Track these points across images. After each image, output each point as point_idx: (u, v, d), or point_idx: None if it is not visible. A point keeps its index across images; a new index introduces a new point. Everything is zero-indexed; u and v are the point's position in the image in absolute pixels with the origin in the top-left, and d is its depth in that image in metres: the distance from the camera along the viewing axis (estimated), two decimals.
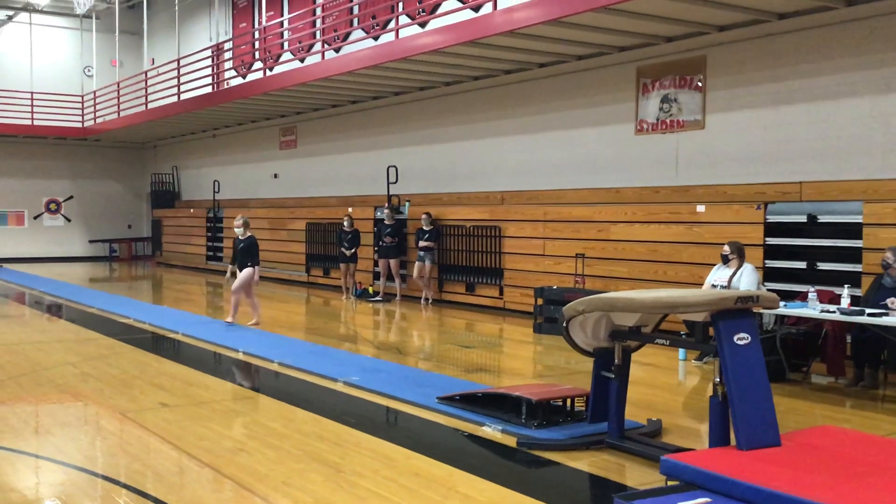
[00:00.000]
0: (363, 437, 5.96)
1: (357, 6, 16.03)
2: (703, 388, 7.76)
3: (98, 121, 25.16)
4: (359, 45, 15.34)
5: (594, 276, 11.66)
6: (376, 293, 15.29)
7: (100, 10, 25.48)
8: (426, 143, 15.90)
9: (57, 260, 26.23)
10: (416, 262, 14.30)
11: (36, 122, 25.23)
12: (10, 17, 26.02)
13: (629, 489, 4.77)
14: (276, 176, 21.06)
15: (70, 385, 7.81)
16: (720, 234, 9.92)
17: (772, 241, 9.73)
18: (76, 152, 27.21)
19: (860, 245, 8.83)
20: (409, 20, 14.14)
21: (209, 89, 20.27)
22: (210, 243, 22.98)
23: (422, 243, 14.08)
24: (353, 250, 15.33)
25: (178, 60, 20.83)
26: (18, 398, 7.29)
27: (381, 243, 14.91)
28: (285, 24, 18.75)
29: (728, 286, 8.42)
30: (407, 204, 15.48)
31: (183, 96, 20.61)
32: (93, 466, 5.35)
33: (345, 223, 15.47)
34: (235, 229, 11.59)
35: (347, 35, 16.73)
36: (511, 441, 5.81)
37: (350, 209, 16.59)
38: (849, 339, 7.89)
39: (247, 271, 11.40)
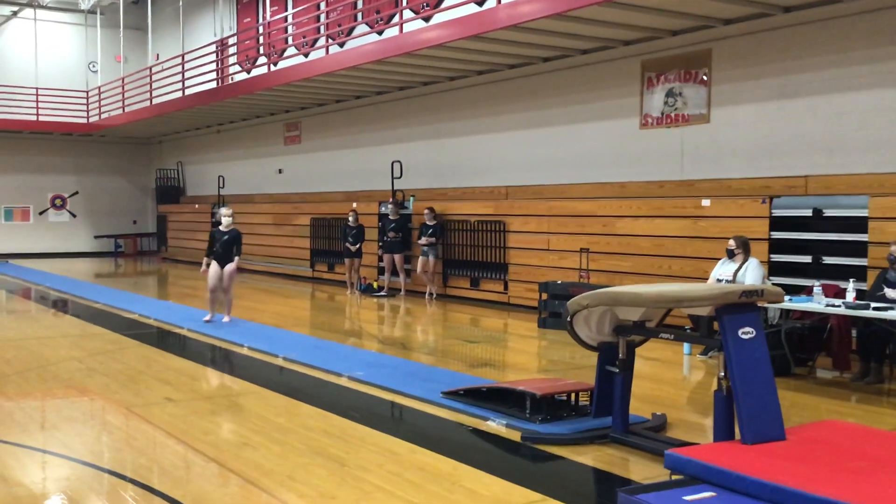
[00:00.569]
0: (368, 431, 5.97)
1: (361, 1, 16.01)
2: (707, 383, 7.75)
3: (103, 116, 25.19)
4: (363, 39, 15.32)
5: (599, 271, 11.64)
6: (381, 288, 15.30)
7: (104, 6, 25.50)
8: (431, 138, 15.89)
9: (62, 255, 26.30)
10: (420, 257, 14.32)
11: (41, 118, 25.27)
12: (14, 13, 26.05)
13: (633, 483, 4.77)
14: (280, 171, 21.08)
15: (76, 380, 7.84)
16: (725, 228, 9.90)
17: (777, 235, 9.70)
18: (81, 148, 27.25)
19: (866, 239, 8.81)
20: (412, 15, 14.12)
21: (213, 85, 20.29)
22: None
23: (424, 239, 14.08)
24: (357, 245, 15.33)
25: (183, 56, 20.84)
26: (24, 393, 7.31)
27: (385, 238, 14.91)
28: (289, 19, 18.75)
29: (733, 280, 8.41)
30: (412, 199, 15.48)
31: (187, 92, 20.62)
32: (99, 461, 5.37)
33: (349, 218, 15.47)
34: (224, 218, 11.18)
35: (351, 30, 16.71)
36: (515, 436, 5.82)
37: (354, 204, 16.58)
38: (854, 333, 7.87)
39: (232, 266, 11.16)
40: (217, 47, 20.71)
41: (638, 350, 6.04)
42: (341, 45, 15.87)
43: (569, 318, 5.86)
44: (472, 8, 12.58)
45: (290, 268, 19.15)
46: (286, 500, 4.63)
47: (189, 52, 20.85)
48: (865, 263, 8.76)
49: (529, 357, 9.55)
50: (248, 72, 20.12)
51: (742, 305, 5.08)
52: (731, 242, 8.68)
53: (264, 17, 20.41)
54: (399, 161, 15.73)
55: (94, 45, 25.70)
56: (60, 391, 7.43)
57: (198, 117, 22.05)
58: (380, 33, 14.98)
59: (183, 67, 20.79)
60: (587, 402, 6.32)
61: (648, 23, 10.68)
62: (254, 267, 20.50)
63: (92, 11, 25.63)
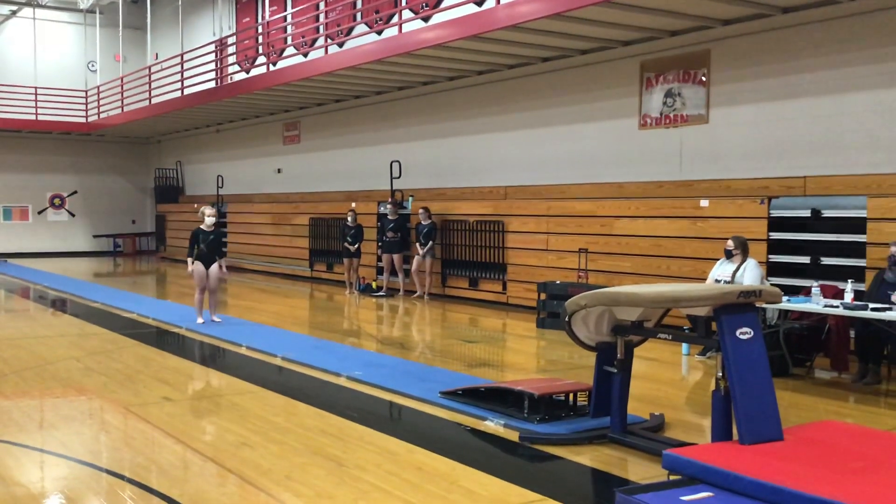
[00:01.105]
0: (366, 431, 5.97)
1: (360, 1, 16.01)
2: (706, 383, 7.76)
3: (102, 116, 25.17)
4: (362, 39, 15.32)
5: (597, 271, 11.65)
6: (380, 288, 15.30)
7: (103, 5, 25.48)
8: (430, 138, 15.89)
9: (61, 255, 26.28)
10: (416, 257, 14.34)
11: (40, 118, 25.25)
12: (13, 13, 26.03)
13: (631, 483, 4.77)
14: (279, 171, 21.07)
15: (74, 379, 7.83)
16: (724, 228, 9.91)
17: (775, 235, 9.71)
18: (80, 147, 27.24)
19: (864, 240, 8.82)
20: (412, 15, 14.12)
21: (212, 84, 20.28)
22: None
23: (420, 249, 14.11)
24: (356, 245, 15.33)
25: (182, 55, 20.84)
26: (22, 392, 7.31)
27: (384, 238, 14.91)
28: (289, 19, 18.74)
29: (731, 281, 8.41)
30: (410, 199, 15.48)
31: (186, 91, 20.62)
32: (97, 460, 5.36)
33: (348, 218, 15.47)
34: (208, 218, 10.85)
35: (351, 30, 16.70)
36: (513, 435, 5.82)
37: (353, 204, 16.58)
38: (852, 334, 7.88)
39: (216, 267, 10.93)
40: (216, 47, 20.71)
41: (636, 350, 6.04)
42: (340, 45, 15.86)
43: (567, 319, 5.86)
44: (472, 8, 12.58)
45: (289, 267, 19.15)
46: (284, 499, 4.63)
47: (188, 52, 20.84)
48: (864, 264, 8.76)
49: (528, 357, 9.55)
50: (248, 71, 20.12)
51: (740, 306, 5.08)
52: (730, 243, 8.68)
53: (263, 17, 20.42)
54: (398, 161, 15.73)
55: (93, 45, 25.69)
56: (58, 390, 7.42)
57: (197, 117, 22.04)
58: (379, 33, 14.98)
59: (182, 67, 20.78)
60: (585, 403, 6.32)
61: (647, 23, 10.69)
62: (252, 266, 20.51)
63: (91, 11, 25.62)
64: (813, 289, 7.69)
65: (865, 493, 4.01)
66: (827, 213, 9.31)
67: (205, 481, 4.98)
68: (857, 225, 8.92)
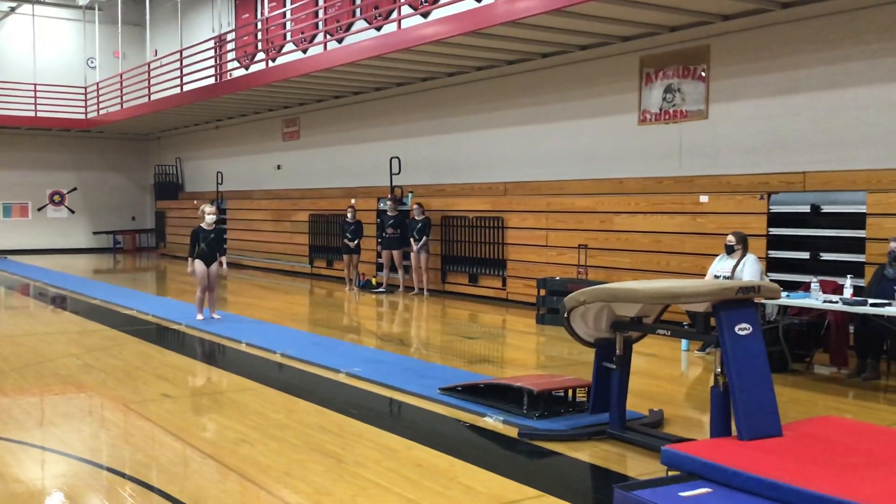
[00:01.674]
0: (365, 428, 5.97)
1: None
2: (705, 379, 7.76)
3: (101, 112, 25.16)
4: (361, 35, 15.31)
5: (597, 267, 11.65)
6: (379, 284, 15.30)
7: (102, 2, 25.45)
8: (429, 134, 15.88)
9: (61, 252, 26.29)
10: (412, 253, 14.36)
11: (39, 114, 25.25)
12: (12, 9, 26.00)
13: (630, 479, 4.77)
14: (279, 167, 21.07)
15: (73, 376, 7.84)
16: (723, 224, 9.91)
17: (775, 231, 9.71)
18: (80, 144, 27.23)
19: (863, 235, 8.81)
20: (411, 10, 14.09)
21: (212, 80, 20.27)
22: None
23: (414, 245, 14.12)
24: (356, 242, 15.33)
25: (181, 52, 20.82)
26: (22, 389, 7.31)
27: (384, 235, 14.91)
28: (288, 15, 18.72)
29: (731, 277, 8.41)
30: (410, 195, 15.47)
31: (186, 88, 20.60)
32: (96, 458, 5.37)
33: (348, 214, 15.46)
34: (208, 216, 10.81)
35: (350, 26, 16.70)
36: (513, 432, 5.82)
37: (353, 200, 16.58)
38: (851, 329, 7.88)
39: (217, 266, 10.91)
40: (215, 43, 20.69)
41: (635, 346, 6.05)
42: (339, 41, 15.85)
43: (566, 315, 5.86)
44: (471, 4, 12.56)
45: (289, 264, 19.15)
46: (283, 496, 4.63)
47: (187, 48, 20.82)
48: (863, 259, 8.76)
49: (527, 353, 9.56)
50: (247, 68, 20.10)
51: (739, 302, 5.08)
52: (731, 238, 8.68)
53: (262, 13, 20.40)
54: (397, 157, 15.72)
55: (92, 41, 25.67)
56: (58, 387, 7.43)
57: (196, 113, 22.03)
58: (378, 29, 14.97)
59: (181, 63, 20.76)
60: (584, 399, 6.32)
61: (647, 19, 10.67)
62: (252, 263, 20.51)
63: (90, 7, 25.59)
64: (812, 284, 7.69)
65: (864, 489, 4.01)
66: (826, 209, 9.30)
67: (204, 478, 4.98)
68: (857, 220, 8.91)
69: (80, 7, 25.97)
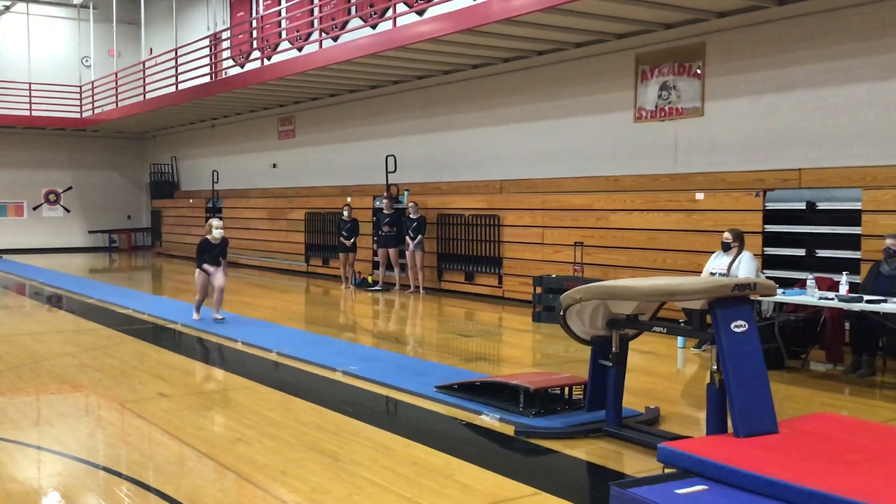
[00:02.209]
0: (361, 426, 5.97)
1: None
2: (701, 376, 7.76)
3: (96, 111, 25.12)
4: (356, 33, 15.29)
5: (593, 265, 11.66)
6: (375, 283, 15.30)
7: (97, 0, 25.39)
8: (425, 132, 15.87)
9: (56, 251, 26.24)
10: (408, 251, 14.36)
11: (34, 113, 25.19)
12: (7, 8, 25.93)
13: (627, 477, 4.78)
14: (274, 166, 21.04)
15: (69, 376, 7.82)
16: (719, 221, 9.91)
17: (771, 228, 9.72)
18: (75, 143, 27.18)
19: (859, 232, 8.83)
20: (406, 8, 14.08)
21: (207, 79, 20.23)
22: None
23: (410, 243, 14.12)
24: (352, 240, 15.32)
25: (176, 50, 20.78)
26: (18, 389, 7.30)
27: (379, 233, 14.91)
28: (283, 13, 18.69)
29: (727, 274, 8.42)
30: (406, 193, 15.47)
31: (181, 86, 20.56)
32: (92, 457, 5.36)
33: (344, 213, 15.45)
34: (215, 231, 10.75)
35: (345, 24, 16.68)
36: (509, 429, 5.83)
37: (349, 199, 16.57)
38: (847, 326, 7.89)
39: (222, 275, 10.87)
40: (210, 41, 20.66)
41: (632, 343, 6.05)
42: (335, 39, 15.84)
43: (562, 312, 5.86)
44: (466, 1, 12.54)
45: (285, 262, 19.13)
46: (279, 495, 4.63)
47: (182, 47, 20.79)
48: (859, 256, 8.78)
49: (524, 351, 9.56)
50: (242, 66, 20.06)
51: (735, 299, 5.08)
52: (727, 235, 8.69)
53: (258, 11, 20.37)
54: (393, 155, 15.71)
55: (86, 40, 25.61)
56: (54, 387, 7.41)
57: (191, 112, 21.99)
58: (373, 27, 14.95)
59: (176, 62, 20.73)
60: (581, 396, 6.33)
61: (642, 16, 10.67)
62: (248, 262, 20.50)
63: (85, 6, 25.52)
64: (808, 281, 7.70)
65: (860, 485, 4.02)
66: (822, 206, 9.32)
67: (201, 477, 4.97)
68: (852, 217, 8.93)
69: (74, 5, 25.91)
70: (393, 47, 13.04)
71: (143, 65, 22.61)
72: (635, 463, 5.10)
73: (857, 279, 8.28)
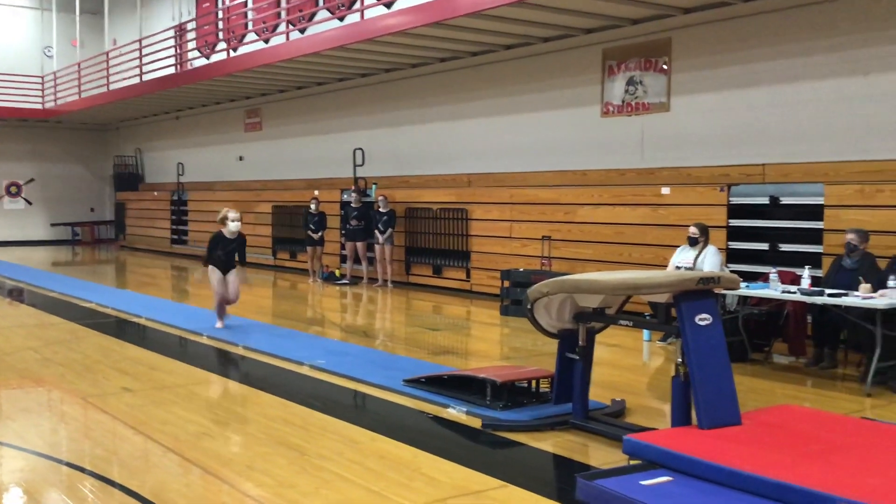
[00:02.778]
0: (329, 420, 5.95)
1: None
2: (667, 369, 7.83)
3: (59, 102, 24.70)
4: (324, 25, 15.19)
5: (560, 259, 11.72)
6: (343, 276, 15.24)
7: None
8: (393, 126, 15.83)
9: (18, 244, 25.77)
10: (377, 245, 14.33)
11: None
12: None
13: (593, 469, 4.81)
14: (241, 158, 20.85)
15: (31, 370, 7.70)
16: (685, 216, 10.01)
17: (735, 222, 9.84)
18: (37, 134, 26.71)
19: (821, 226, 8.96)
20: (374, 1, 14.01)
21: (172, 70, 19.98)
22: (175, 226, 22.77)
23: (380, 236, 14.10)
24: (319, 233, 15.24)
25: (140, 41, 20.50)
26: None
27: (347, 226, 14.85)
28: (249, 4, 18.50)
29: (693, 267, 8.51)
30: (374, 186, 15.42)
31: (145, 77, 20.30)
32: (55, 452, 5.28)
33: (311, 206, 15.37)
34: (231, 224, 9.54)
35: (312, 15, 16.55)
36: (476, 423, 5.84)
37: (317, 192, 16.47)
38: (809, 319, 8.01)
39: (236, 273, 9.73)
40: (175, 32, 20.39)
41: (598, 337, 6.09)
42: (302, 30, 15.72)
43: (529, 306, 5.89)
44: None
45: (252, 256, 18.89)
46: (245, 489, 4.60)
47: (147, 38, 20.51)
48: (821, 250, 8.91)
49: (491, 344, 9.59)
50: (208, 57, 19.84)
51: (699, 292, 5.14)
52: (693, 230, 8.78)
53: (224, 2, 20.14)
54: (361, 148, 15.65)
55: (49, 30, 25.15)
56: (15, 381, 7.29)
57: (156, 103, 21.72)
58: (341, 19, 14.86)
59: (140, 53, 20.45)
60: (548, 389, 6.36)
61: (609, 11, 10.72)
62: None
63: None
64: (771, 275, 7.80)
65: (821, 476, 4.09)
66: (785, 201, 9.45)
67: (166, 472, 4.93)
68: (815, 212, 9.06)
69: None
70: (361, 40, 12.97)
71: (107, 55, 22.27)
72: (601, 455, 5.14)
73: (820, 273, 8.41)
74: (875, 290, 7.04)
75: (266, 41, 17.06)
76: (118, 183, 26.43)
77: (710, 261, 8.58)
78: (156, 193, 23.99)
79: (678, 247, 9.12)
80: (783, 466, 4.22)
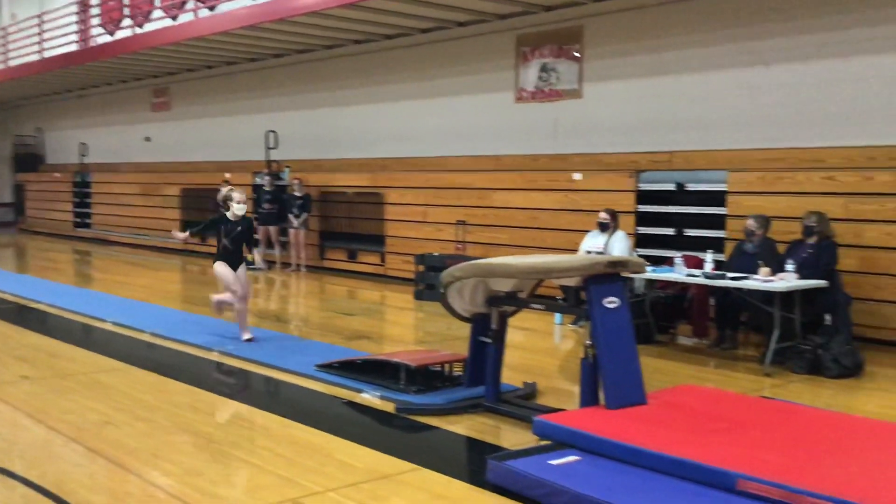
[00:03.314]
0: (238, 406, 5.86)
1: None
2: (577, 351, 7.94)
3: None
4: (235, 3, 14.80)
5: (475, 243, 11.79)
6: (255, 261, 14.97)
7: None
8: (307, 108, 15.60)
9: None
10: (291, 230, 14.16)
11: None
12: None
13: (504, 450, 4.87)
14: (148, 139, 20.23)
15: None
16: (595, 201, 10.19)
17: (643, 208, 10.07)
18: None
19: (724, 212, 9.26)
20: None
21: (75, 47, 19.21)
22: (78, 209, 21.99)
23: (295, 221, 13.93)
24: None
25: (41, 16, 19.65)
26: None
27: (260, 210, 14.59)
28: None
29: (603, 252, 8.68)
30: (287, 170, 15.19)
31: (46, 54, 19.48)
32: None
33: (222, 189, 15.01)
34: (236, 206, 8.06)
35: None
36: (390, 407, 5.83)
37: (227, 175, 16.12)
38: (712, 302, 8.28)
39: (244, 270, 8.35)
40: (78, 8, 19.60)
41: (511, 320, 6.15)
42: (211, 8, 15.29)
43: (442, 290, 5.91)
44: None
45: (160, 240, 18.48)
46: (151, 478, 4.48)
47: (48, 13, 19.66)
48: (724, 235, 9.21)
49: (406, 329, 9.59)
50: (112, 34, 19.13)
51: (608, 276, 5.24)
52: (604, 215, 8.96)
53: None
54: (274, 131, 15.38)
55: None
56: None
57: (58, 81, 20.84)
58: None
59: (41, 28, 19.60)
60: (461, 373, 6.40)
61: None
62: (120, 239, 19.73)
63: None
64: (676, 259, 8.02)
65: (721, 452, 4.23)
66: (691, 187, 9.72)
67: (68, 462, 4.76)
68: (718, 198, 9.35)
69: None
70: (273, 19, 12.71)
71: (5, 31, 21.26)
72: (512, 436, 5.20)
73: (722, 257, 8.69)
74: (774, 273, 7.32)
75: (174, 18, 16.55)
76: (17, 164, 25.37)
77: (619, 245, 8.77)
78: (57, 175, 23.09)
79: (589, 231, 9.29)
80: (685, 444, 4.36)
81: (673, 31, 10.23)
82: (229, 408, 5.83)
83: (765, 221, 8.04)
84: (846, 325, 7.51)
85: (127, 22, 18.29)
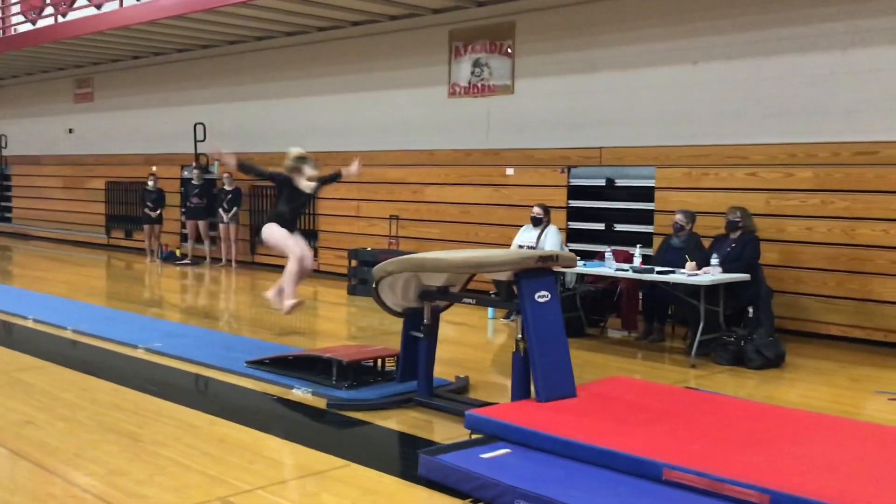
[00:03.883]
0: (165, 405, 5.72)
1: None
2: (509, 345, 7.98)
3: None
4: None
5: (408, 238, 11.77)
6: (184, 256, 14.70)
7: None
8: (237, 101, 15.33)
9: None
10: (222, 224, 13.93)
11: None
12: None
13: (436, 444, 4.87)
14: (71, 131, 19.62)
15: None
16: (527, 196, 10.28)
17: (574, 203, 10.20)
18: None
19: (652, 207, 9.44)
20: None
21: None
22: None
23: (224, 215, 13.71)
24: (157, 211, 14.62)
25: None
26: None
27: (188, 204, 14.32)
28: None
29: (535, 247, 8.75)
30: (216, 163, 14.92)
31: None
32: None
33: (149, 182, 14.70)
34: (306, 183, 7.51)
35: None
36: (321, 403, 5.78)
37: (154, 168, 15.77)
38: (641, 295, 8.43)
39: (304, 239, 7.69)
40: None
41: (444, 315, 6.16)
42: None
43: (374, 285, 5.88)
44: None
45: (83, 234, 17.97)
46: (73, 478, 4.35)
47: None
48: (652, 230, 9.39)
49: (338, 324, 9.52)
50: (34, 23, 18.49)
51: (539, 270, 5.29)
52: (537, 210, 9.03)
53: None
54: (202, 123, 15.08)
55: None
56: None
57: None
58: None
59: None
60: (393, 368, 6.38)
61: None
62: (41, 234, 19.12)
63: None
64: (606, 254, 8.15)
65: (648, 443, 4.31)
66: (620, 183, 9.88)
67: None
68: (647, 194, 9.53)
69: None
70: (201, 9, 12.43)
71: None
72: (445, 431, 5.20)
73: (650, 252, 8.86)
74: (699, 267, 7.50)
75: (98, 7, 16.07)
76: None
77: (550, 240, 8.86)
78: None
79: (522, 226, 9.36)
80: (613, 434, 4.43)
81: (603, 28, 10.36)
82: (155, 406, 5.69)
83: (691, 216, 8.23)
84: (768, 318, 7.73)
85: (49, 10, 17.70)
